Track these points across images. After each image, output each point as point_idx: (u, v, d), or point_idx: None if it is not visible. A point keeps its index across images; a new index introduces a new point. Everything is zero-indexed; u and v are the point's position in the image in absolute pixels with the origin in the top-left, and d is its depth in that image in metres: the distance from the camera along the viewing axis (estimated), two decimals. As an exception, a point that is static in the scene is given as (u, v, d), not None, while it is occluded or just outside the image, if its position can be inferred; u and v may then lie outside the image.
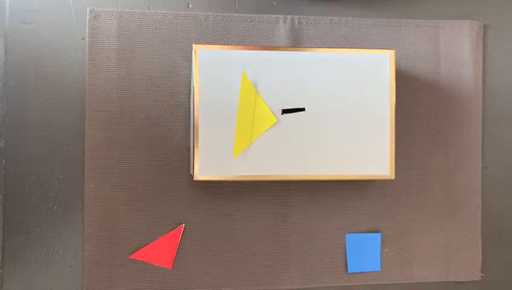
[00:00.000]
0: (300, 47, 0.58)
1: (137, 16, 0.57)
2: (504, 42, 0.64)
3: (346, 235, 0.60)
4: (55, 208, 0.56)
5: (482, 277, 0.63)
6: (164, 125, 0.58)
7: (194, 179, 0.53)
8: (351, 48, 0.60)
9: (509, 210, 0.64)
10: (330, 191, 0.60)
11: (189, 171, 0.57)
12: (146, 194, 0.57)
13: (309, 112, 0.54)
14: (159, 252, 0.57)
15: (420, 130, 0.62)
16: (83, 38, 0.57)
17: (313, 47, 0.58)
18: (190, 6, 0.59)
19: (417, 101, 0.62)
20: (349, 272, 0.60)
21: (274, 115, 0.53)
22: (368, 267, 0.60)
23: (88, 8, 0.57)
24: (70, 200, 0.57)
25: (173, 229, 0.57)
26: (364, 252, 0.60)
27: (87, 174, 0.56)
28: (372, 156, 0.55)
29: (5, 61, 0.56)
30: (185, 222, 0.58)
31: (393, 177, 0.55)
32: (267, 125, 0.53)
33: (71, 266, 0.57)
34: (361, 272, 0.60)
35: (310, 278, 0.60)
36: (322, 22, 0.60)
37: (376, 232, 0.61)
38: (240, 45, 0.58)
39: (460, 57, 0.62)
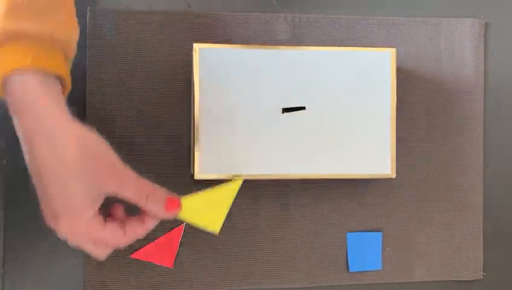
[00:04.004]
0: (301, 45, 0.58)
1: (137, 15, 0.57)
2: (506, 40, 0.64)
3: (347, 234, 0.60)
4: (57, 207, 0.56)
5: (483, 275, 0.62)
6: (165, 125, 0.58)
7: (194, 178, 0.53)
8: (352, 46, 0.60)
9: (510, 209, 0.63)
10: (331, 190, 0.60)
11: (190, 170, 0.57)
12: (147, 193, 0.57)
13: (310, 111, 0.54)
14: (160, 251, 0.57)
15: (421, 128, 0.61)
16: (84, 38, 0.57)
17: (314, 45, 0.58)
18: (190, 5, 0.59)
19: (418, 99, 0.62)
20: (350, 271, 0.60)
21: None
22: (369, 266, 0.60)
23: (88, 7, 0.57)
24: (71, 199, 0.57)
25: (174, 228, 0.57)
26: (366, 251, 0.60)
27: (88, 173, 0.56)
28: (373, 155, 0.55)
29: (5, 61, 0.56)
30: (185, 221, 0.58)
31: (394, 176, 0.55)
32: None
33: (72, 266, 0.57)
34: (362, 271, 0.60)
35: (310, 277, 0.59)
36: (322, 21, 0.60)
37: (377, 231, 0.61)
38: (240, 43, 0.58)
39: (461, 56, 0.62)
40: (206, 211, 0.49)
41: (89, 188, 0.41)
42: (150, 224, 0.45)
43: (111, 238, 0.44)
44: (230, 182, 0.50)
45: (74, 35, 0.45)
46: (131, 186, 0.43)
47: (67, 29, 0.43)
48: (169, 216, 0.45)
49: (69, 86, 0.44)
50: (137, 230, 0.45)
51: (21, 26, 0.40)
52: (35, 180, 0.41)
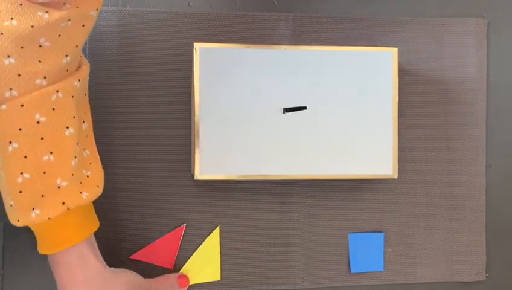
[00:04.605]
0: (302, 45, 0.58)
1: (137, 14, 0.57)
2: (508, 40, 0.63)
3: (349, 235, 0.60)
4: (56, 208, 0.56)
5: (486, 276, 0.62)
6: (165, 125, 0.57)
7: (195, 178, 0.52)
8: (354, 45, 0.59)
9: (514, 209, 0.63)
10: (332, 191, 0.60)
11: (191, 170, 0.57)
12: (147, 194, 0.57)
13: (311, 111, 0.54)
14: (160, 252, 0.57)
15: (423, 128, 0.61)
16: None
17: (315, 45, 0.57)
18: (191, 4, 0.59)
19: (420, 99, 0.61)
20: (352, 272, 0.60)
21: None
22: (371, 267, 0.60)
23: (88, 6, 0.56)
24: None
25: (174, 229, 0.57)
26: (368, 252, 0.60)
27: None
28: (375, 155, 0.54)
29: (5, 61, 0.56)
30: (186, 222, 0.57)
31: (396, 176, 0.55)
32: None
33: (72, 267, 0.56)
34: (364, 272, 0.60)
35: (312, 278, 0.59)
36: (323, 20, 0.60)
37: (379, 231, 0.60)
38: (240, 43, 0.58)
39: (464, 55, 0.62)
40: (203, 267, 0.57)
41: None
42: None
43: None
44: (210, 234, 0.57)
45: (102, 183, 0.49)
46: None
47: (101, 180, 0.49)
48: None
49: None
50: None
51: (79, 202, 0.45)
52: None
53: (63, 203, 0.44)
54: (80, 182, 0.45)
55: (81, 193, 0.45)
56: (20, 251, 0.56)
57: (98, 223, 0.49)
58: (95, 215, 0.49)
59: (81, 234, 0.46)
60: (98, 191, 0.47)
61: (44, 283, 0.56)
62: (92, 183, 0.47)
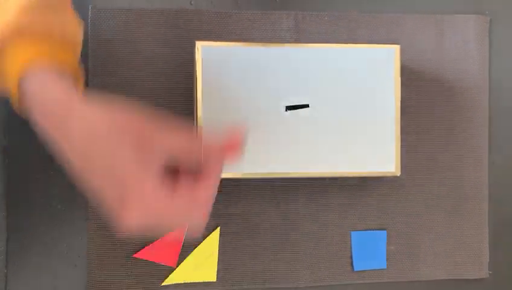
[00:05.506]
0: (304, 43, 0.58)
1: (139, 13, 0.57)
2: (510, 37, 0.63)
3: (352, 233, 0.60)
4: (59, 207, 0.56)
5: (489, 274, 0.62)
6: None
7: (198, 176, 0.52)
8: (356, 43, 0.59)
9: (517, 206, 0.63)
10: (335, 189, 0.60)
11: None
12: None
13: (313, 109, 0.54)
14: (164, 250, 0.57)
15: (425, 125, 0.61)
16: (85, 36, 0.56)
17: (317, 43, 0.57)
18: (192, 3, 0.59)
19: (422, 96, 0.61)
20: (355, 270, 0.60)
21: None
22: (374, 265, 0.60)
23: (90, 5, 0.57)
24: (75, 199, 0.56)
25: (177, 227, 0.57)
26: (370, 249, 0.60)
27: (91, 172, 0.56)
28: (377, 153, 0.54)
29: (7, 60, 0.56)
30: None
31: (399, 173, 0.55)
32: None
33: (75, 265, 0.56)
34: (367, 270, 0.60)
35: (315, 276, 0.59)
36: (325, 18, 0.60)
37: (382, 229, 0.60)
38: (242, 41, 0.58)
39: (466, 52, 0.62)
40: (200, 266, 0.57)
41: (137, 154, 0.37)
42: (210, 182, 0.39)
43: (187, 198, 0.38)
44: (210, 234, 0.57)
45: (79, 35, 0.46)
46: (178, 135, 0.40)
47: (73, 27, 0.45)
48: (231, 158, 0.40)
49: (82, 81, 0.45)
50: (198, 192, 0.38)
51: (34, 19, 0.39)
52: (85, 180, 0.38)
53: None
54: (36, 9, 0.40)
55: (32, 16, 0.39)
56: (23, 250, 0.56)
57: (76, 66, 0.43)
58: (75, 61, 0.43)
59: (43, 53, 0.39)
60: (49, 22, 0.41)
61: (47, 282, 0.56)
62: (54, 17, 0.42)
